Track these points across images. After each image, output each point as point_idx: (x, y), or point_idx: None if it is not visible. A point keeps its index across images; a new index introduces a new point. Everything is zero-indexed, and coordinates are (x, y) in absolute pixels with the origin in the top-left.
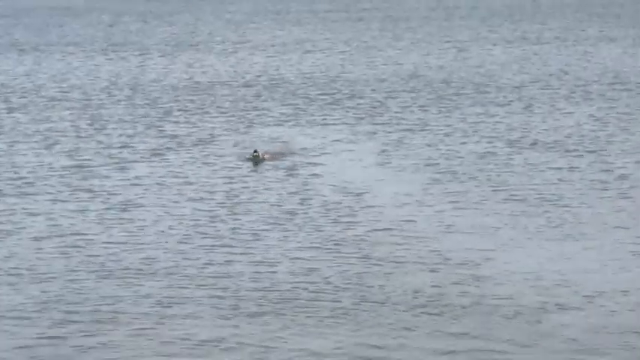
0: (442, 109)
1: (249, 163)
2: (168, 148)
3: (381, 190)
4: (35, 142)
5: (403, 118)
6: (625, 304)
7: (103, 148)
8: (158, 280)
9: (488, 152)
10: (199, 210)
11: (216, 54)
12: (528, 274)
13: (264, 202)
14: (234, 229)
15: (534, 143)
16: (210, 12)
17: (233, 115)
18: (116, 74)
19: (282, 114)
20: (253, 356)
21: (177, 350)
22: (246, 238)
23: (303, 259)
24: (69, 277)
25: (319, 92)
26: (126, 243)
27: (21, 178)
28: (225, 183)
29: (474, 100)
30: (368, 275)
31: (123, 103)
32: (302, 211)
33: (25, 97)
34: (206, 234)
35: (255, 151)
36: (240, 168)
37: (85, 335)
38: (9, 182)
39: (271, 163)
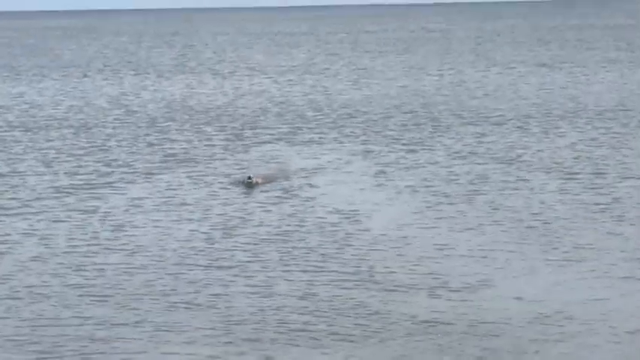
0: (438, 130)
1: (244, 188)
2: (165, 169)
3: (377, 212)
4: (33, 161)
5: (399, 139)
6: (625, 331)
7: (96, 169)
8: (153, 304)
9: (485, 174)
10: (195, 232)
11: (213, 75)
12: (526, 299)
13: (260, 226)
14: (229, 252)
15: (532, 164)
16: (210, 33)
17: (230, 137)
18: (114, 95)
19: (278, 135)
20: None
21: None
22: (241, 261)
23: (300, 281)
24: (62, 300)
25: (316, 114)
26: (118, 265)
27: (15, 198)
28: (219, 205)
29: (469, 121)
30: (365, 299)
31: (119, 123)
32: (297, 234)
33: (22, 118)
34: (200, 258)
35: (250, 177)
36: (234, 192)
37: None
38: (6, 202)
39: (266, 187)
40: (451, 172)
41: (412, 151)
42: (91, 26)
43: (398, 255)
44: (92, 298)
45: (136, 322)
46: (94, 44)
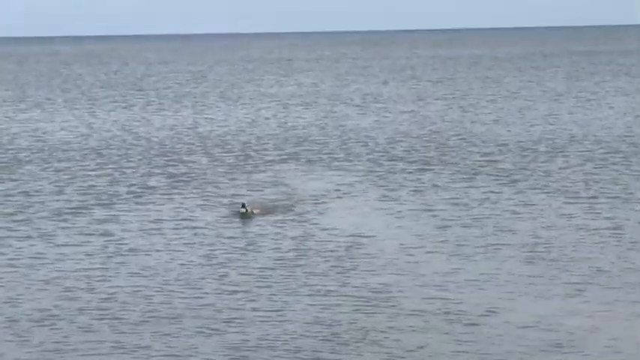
0: (444, 158)
1: (238, 217)
2: (172, 191)
3: (384, 236)
4: (41, 185)
5: (399, 166)
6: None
7: (88, 196)
8: (154, 331)
9: (493, 197)
10: (196, 258)
11: (217, 102)
12: (535, 326)
13: (258, 253)
14: (228, 280)
15: (540, 188)
16: (215, 59)
17: (239, 162)
18: (120, 123)
19: (279, 163)
20: None
21: None
22: (250, 286)
23: (308, 307)
24: (65, 324)
25: (318, 142)
26: (110, 293)
27: (22, 220)
28: (215, 234)
29: (475, 150)
30: (370, 326)
31: (122, 151)
32: (304, 260)
33: (30, 145)
34: (206, 282)
35: (243, 206)
36: (230, 221)
37: None
38: (11, 224)
39: (261, 216)
40: (457, 196)
41: (419, 175)
42: (95, 52)
43: (406, 280)
44: (95, 321)
45: (141, 347)
46: (101, 70)
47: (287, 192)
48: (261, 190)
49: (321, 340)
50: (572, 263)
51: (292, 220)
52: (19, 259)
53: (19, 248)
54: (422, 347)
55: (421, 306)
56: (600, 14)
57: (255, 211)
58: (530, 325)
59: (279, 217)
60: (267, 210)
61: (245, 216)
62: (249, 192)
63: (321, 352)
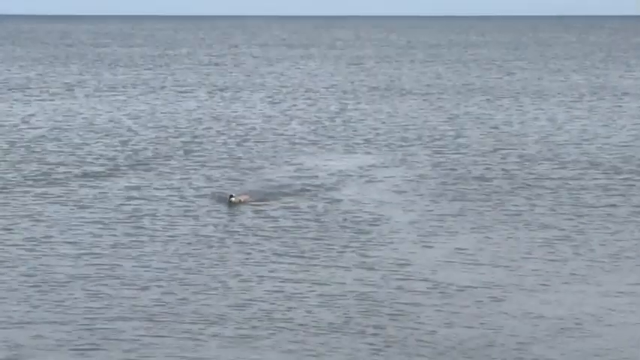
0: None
1: (226, 206)
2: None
3: (395, 216)
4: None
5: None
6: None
7: (71, 189)
8: (134, 326)
9: (506, 180)
10: (182, 250)
11: (205, 93)
12: (546, 314)
13: (242, 240)
14: (217, 269)
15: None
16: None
17: (222, 158)
18: (104, 114)
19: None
20: None
21: None
22: (234, 275)
23: (297, 298)
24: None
25: (310, 131)
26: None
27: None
28: (201, 224)
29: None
30: (381, 301)
31: (104, 142)
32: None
33: (16, 133)
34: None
35: (232, 196)
36: (217, 210)
37: None
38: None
39: (249, 205)
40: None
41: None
42: (119, 32)
43: (412, 268)
44: (69, 319)
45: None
46: (120, 49)
47: (277, 180)
48: (253, 179)
49: (329, 307)
50: (590, 252)
51: (283, 208)
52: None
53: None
54: (430, 334)
55: (427, 294)
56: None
57: (242, 199)
58: (541, 311)
59: (268, 205)
60: (256, 198)
61: (233, 205)
62: (239, 180)
63: (327, 323)
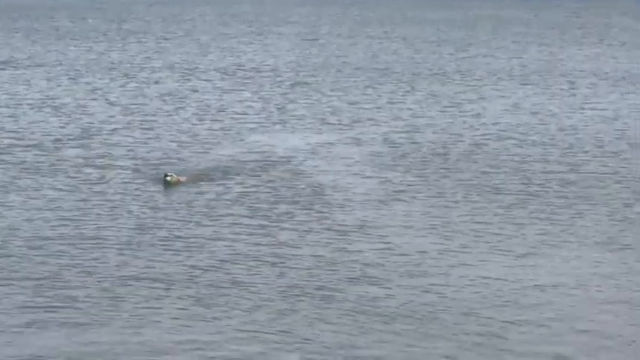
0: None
1: (162, 186)
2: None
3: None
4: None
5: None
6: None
7: (16, 171)
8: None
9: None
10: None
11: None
12: (497, 279)
13: (177, 218)
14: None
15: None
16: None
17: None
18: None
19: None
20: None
21: None
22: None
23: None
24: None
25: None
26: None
27: None
28: (138, 206)
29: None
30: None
31: (46, 117)
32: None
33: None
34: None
35: (167, 175)
36: (152, 190)
37: None
38: None
39: (187, 185)
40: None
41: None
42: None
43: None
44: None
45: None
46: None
47: (224, 161)
48: (197, 160)
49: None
50: (579, 243)
51: (224, 187)
52: None
53: None
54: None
55: (406, 272)
56: None
57: (181, 179)
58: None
59: (208, 185)
60: (194, 178)
61: (169, 185)
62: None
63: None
